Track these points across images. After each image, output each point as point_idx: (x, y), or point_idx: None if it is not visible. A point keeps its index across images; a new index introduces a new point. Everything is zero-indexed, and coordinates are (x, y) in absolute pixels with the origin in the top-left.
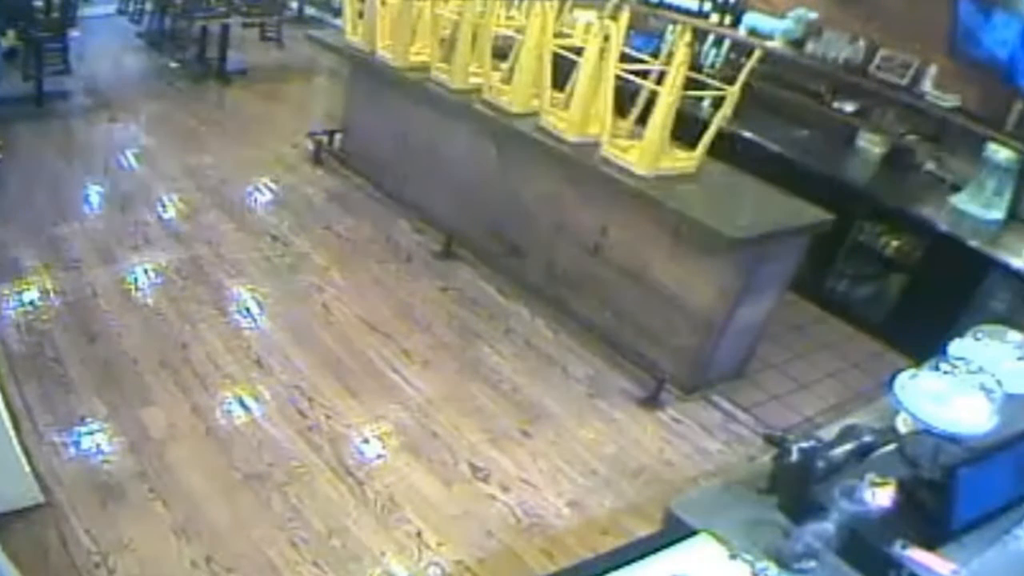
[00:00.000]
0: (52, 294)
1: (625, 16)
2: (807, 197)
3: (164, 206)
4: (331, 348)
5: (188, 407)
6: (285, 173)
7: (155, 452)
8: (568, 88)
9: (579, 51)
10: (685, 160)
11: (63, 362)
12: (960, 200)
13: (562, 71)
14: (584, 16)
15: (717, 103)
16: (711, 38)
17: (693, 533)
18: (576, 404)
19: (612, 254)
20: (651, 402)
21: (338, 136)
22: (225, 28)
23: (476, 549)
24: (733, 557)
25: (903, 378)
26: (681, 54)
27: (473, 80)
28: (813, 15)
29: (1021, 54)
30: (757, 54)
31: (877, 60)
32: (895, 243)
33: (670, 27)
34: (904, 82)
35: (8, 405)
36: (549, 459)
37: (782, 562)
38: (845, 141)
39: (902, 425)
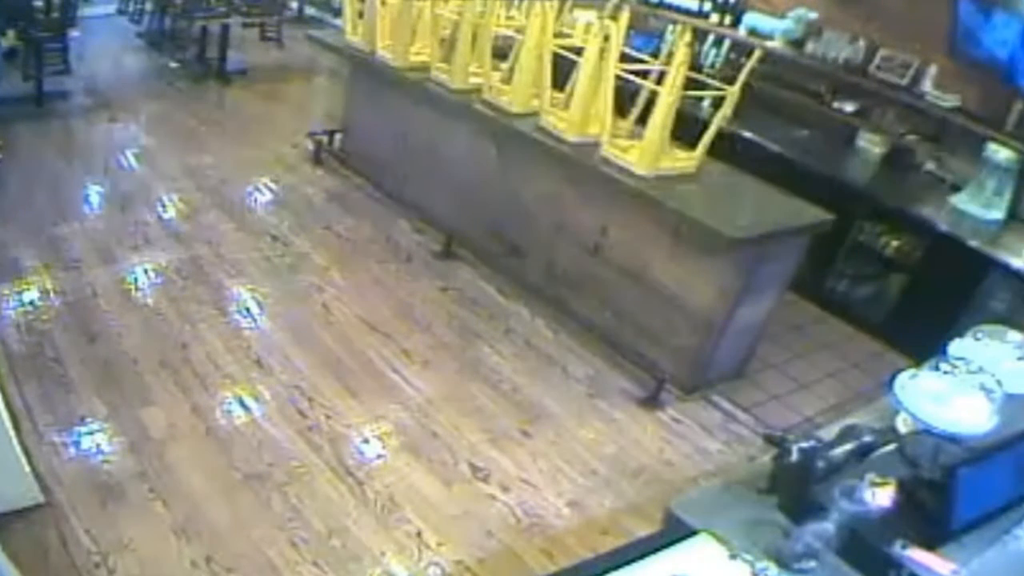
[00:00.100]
0: (52, 294)
1: (625, 16)
2: (807, 197)
3: (164, 206)
4: (331, 348)
5: (188, 407)
6: (285, 173)
7: (155, 452)
8: (568, 88)
9: (579, 51)
10: (685, 160)
11: (63, 362)
12: (960, 200)
13: (562, 71)
14: (584, 16)
15: (717, 103)
16: (711, 38)
17: (693, 533)
18: (576, 404)
19: (612, 254)
20: (651, 402)
21: (338, 136)
22: (225, 28)
23: (476, 549)
24: (733, 557)
25: (903, 378)
26: (681, 54)
27: (473, 80)
28: (813, 15)
29: (1021, 54)
30: (757, 54)
31: (877, 60)
32: (895, 243)
33: (670, 27)
34: (904, 82)
35: (8, 405)
36: (549, 459)
37: (782, 562)
38: (845, 141)
39: (902, 425)
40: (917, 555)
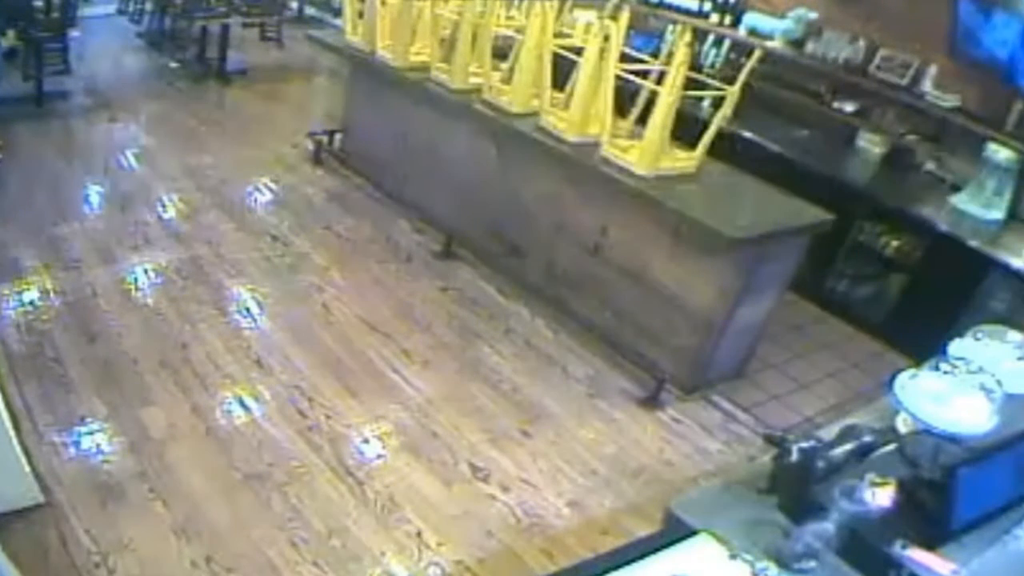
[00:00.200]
0: (52, 294)
1: (625, 16)
2: (807, 197)
3: (164, 206)
4: (331, 348)
5: (188, 407)
6: (285, 173)
7: (155, 452)
8: (568, 88)
9: (579, 51)
10: (685, 160)
11: (63, 362)
12: (960, 200)
13: (562, 71)
14: (584, 16)
15: (717, 103)
16: (711, 38)
17: (693, 533)
18: (576, 404)
19: (612, 254)
20: (651, 402)
21: (338, 136)
22: (225, 28)
23: (476, 549)
24: (733, 557)
25: (903, 378)
26: (681, 54)
27: (473, 80)
28: (813, 15)
29: (1021, 54)
30: (757, 54)
31: (877, 60)
32: (895, 243)
33: (670, 27)
34: (904, 82)
35: (8, 405)
36: (549, 459)
37: (782, 562)
38: (845, 141)
39: (902, 425)
40: (917, 555)
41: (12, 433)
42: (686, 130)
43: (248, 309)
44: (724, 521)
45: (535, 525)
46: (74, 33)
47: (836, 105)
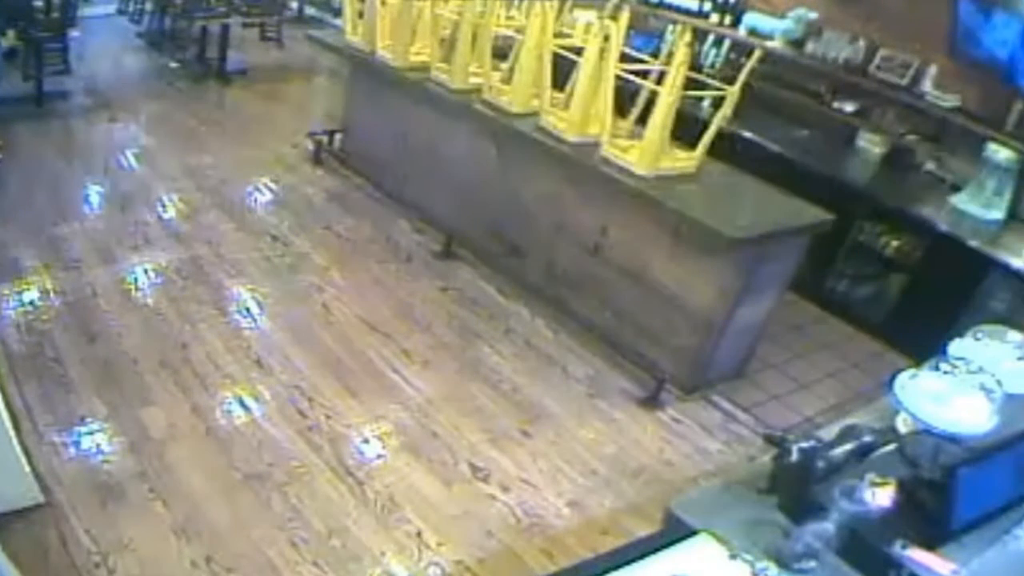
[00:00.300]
0: (52, 294)
1: (625, 16)
2: (807, 197)
3: (164, 206)
4: (331, 348)
5: (188, 407)
6: (285, 173)
7: (155, 452)
8: (568, 88)
9: (579, 51)
10: (685, 160)
11: (63, 362)
12: (960, 200)
13: (562, 71)
14: (584, 16)
15: (717, 103)
16: (711, 38)
17: (693, 533)
18: (576, 404)
19: (612, 254)
20: (651, 402)
21: (338, 136)
22: (225, 28)
23: (476, 549)
24: (733, 557)
25: (903, 378)
26: (681, 54)
27: (473, 80)
28: (813, 15)
29: (1021, 54)
30: (757, 54)
31: (877, 60)
32: (895, 243)
33: (670, 27)
34: (904, 82)
35: (8, 405)
36: (549, 459)
37: (782, 562)
38: (845, 141)
39: (902, 425)
40: (917, 555)
41: (12, 433)
42: (686, 130)
43: (248, 309)
44: (724, 521)
45: (535, 525)
46: (74, 33)
47: (836, 105)
